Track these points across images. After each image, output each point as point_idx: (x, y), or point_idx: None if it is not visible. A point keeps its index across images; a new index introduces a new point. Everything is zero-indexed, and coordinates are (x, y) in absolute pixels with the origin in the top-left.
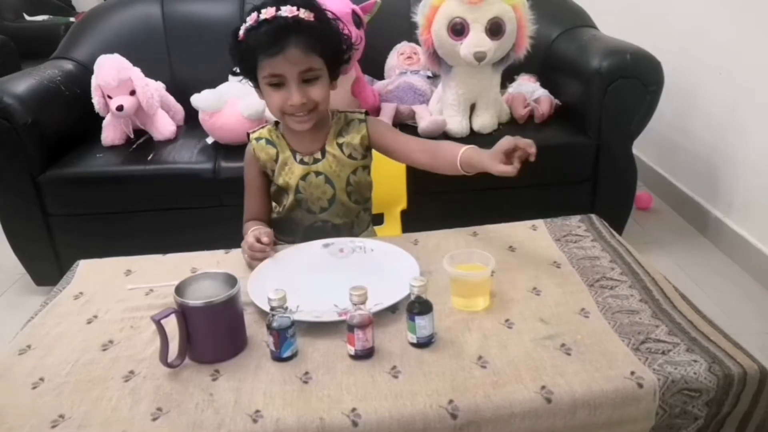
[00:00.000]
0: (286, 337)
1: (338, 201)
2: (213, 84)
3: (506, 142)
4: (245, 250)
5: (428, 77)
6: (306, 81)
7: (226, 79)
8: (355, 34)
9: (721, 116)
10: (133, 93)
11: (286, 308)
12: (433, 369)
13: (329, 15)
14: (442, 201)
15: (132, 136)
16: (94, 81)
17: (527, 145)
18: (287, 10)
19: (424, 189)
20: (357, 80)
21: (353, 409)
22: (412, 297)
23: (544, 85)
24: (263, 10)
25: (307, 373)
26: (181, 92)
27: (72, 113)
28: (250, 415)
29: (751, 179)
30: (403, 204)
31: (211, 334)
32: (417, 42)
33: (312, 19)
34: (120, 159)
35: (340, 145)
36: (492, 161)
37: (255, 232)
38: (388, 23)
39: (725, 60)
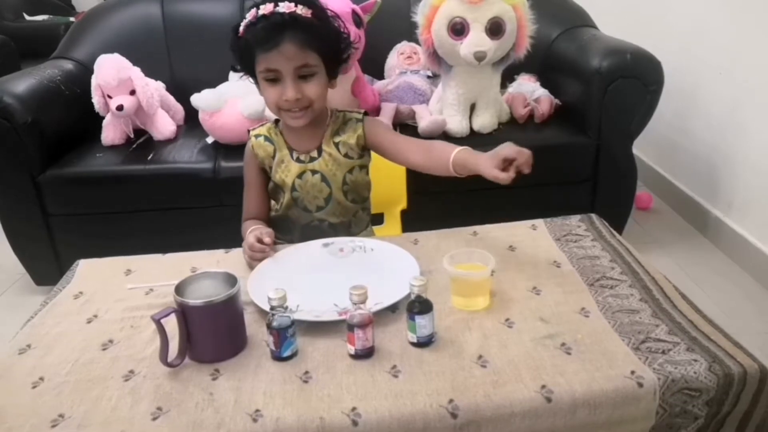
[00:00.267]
0: (286, 336)
1: (335, 200)
2: (213, 84)
3: (509, 149)
4: (245, 250)
5: (428, 77)
6: (302, 77)
7: (226, 79)
8: (355, 33)
9: (721, 116)
10: (133, 93)
11: (286, 308)
12: (433, 368)
13: (328, 13)
14: (442, 201)
15: (132, 135)
16: (94, 81)
17: (526, 162)
18: (285, 6)
19: (424, 189)
20: (357, 80)
21: (353, 409)
22: (412, 296)
23: (544, 84)
24: (262, 6)
25: (307, 372)
26: (181, 92)
27: (72, 113)
28: (250, 414)
29: (751, 179)
30: (403, 204)
31: (211, 333)
32: (417, 42)
33: (309, 15)
34: (120, 159)
35: (336, 144)
36: (487, 165)
37: (256, 231)
38: (388, 23)
39: (725, 60)
